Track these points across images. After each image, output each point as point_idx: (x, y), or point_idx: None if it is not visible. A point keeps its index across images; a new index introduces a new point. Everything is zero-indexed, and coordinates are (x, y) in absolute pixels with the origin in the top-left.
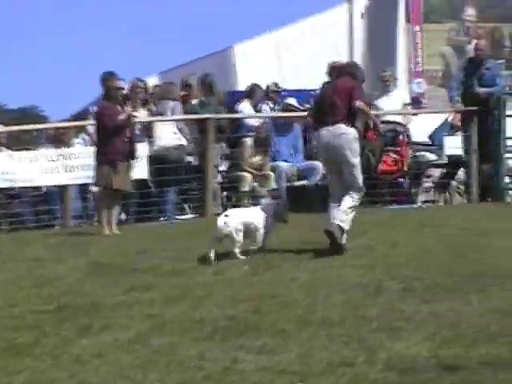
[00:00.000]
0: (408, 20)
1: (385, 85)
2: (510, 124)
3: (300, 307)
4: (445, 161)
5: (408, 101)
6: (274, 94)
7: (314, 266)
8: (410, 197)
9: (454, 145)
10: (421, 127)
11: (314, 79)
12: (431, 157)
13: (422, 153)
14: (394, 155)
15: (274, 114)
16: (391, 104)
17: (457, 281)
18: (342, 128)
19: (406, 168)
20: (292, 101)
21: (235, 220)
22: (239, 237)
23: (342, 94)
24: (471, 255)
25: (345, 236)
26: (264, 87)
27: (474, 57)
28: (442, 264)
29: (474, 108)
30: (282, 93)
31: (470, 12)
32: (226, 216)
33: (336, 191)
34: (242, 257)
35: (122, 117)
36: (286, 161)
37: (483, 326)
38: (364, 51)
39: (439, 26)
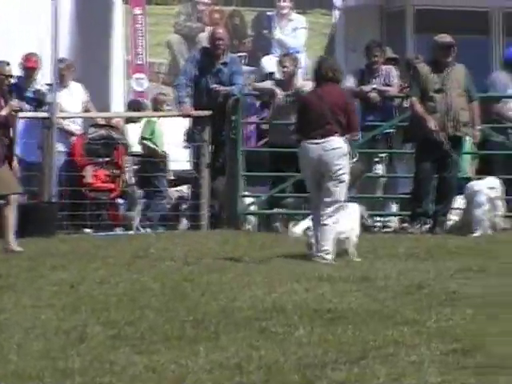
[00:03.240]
0: (126, 1)
1: (63, 78)
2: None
3: None
4: (171, 177)
5: (86, 99)
6: None
7: (1, 306)
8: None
9: (180, 158)
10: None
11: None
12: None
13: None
14: (108, 169)
15: None
16: (74, 103)
17: (179, 327)
18: (334, 142)
19: (123, 185)
20: None
21: None
22: None
23: (334, 107)
24: (197, 296)
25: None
26: None
27: (210, 48)
28: (160, 307)
29: (207, 112)
30: None
31: None
32: None
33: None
34: None
35: (3, 112)
36: None
37: None
38: (73, 35)
39: (165, 8)
